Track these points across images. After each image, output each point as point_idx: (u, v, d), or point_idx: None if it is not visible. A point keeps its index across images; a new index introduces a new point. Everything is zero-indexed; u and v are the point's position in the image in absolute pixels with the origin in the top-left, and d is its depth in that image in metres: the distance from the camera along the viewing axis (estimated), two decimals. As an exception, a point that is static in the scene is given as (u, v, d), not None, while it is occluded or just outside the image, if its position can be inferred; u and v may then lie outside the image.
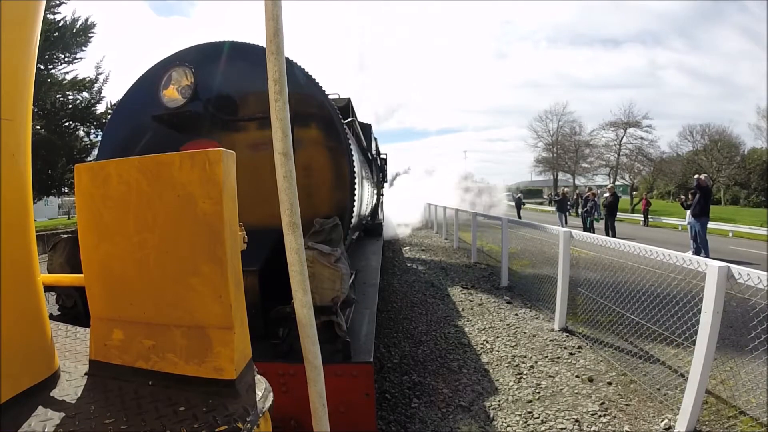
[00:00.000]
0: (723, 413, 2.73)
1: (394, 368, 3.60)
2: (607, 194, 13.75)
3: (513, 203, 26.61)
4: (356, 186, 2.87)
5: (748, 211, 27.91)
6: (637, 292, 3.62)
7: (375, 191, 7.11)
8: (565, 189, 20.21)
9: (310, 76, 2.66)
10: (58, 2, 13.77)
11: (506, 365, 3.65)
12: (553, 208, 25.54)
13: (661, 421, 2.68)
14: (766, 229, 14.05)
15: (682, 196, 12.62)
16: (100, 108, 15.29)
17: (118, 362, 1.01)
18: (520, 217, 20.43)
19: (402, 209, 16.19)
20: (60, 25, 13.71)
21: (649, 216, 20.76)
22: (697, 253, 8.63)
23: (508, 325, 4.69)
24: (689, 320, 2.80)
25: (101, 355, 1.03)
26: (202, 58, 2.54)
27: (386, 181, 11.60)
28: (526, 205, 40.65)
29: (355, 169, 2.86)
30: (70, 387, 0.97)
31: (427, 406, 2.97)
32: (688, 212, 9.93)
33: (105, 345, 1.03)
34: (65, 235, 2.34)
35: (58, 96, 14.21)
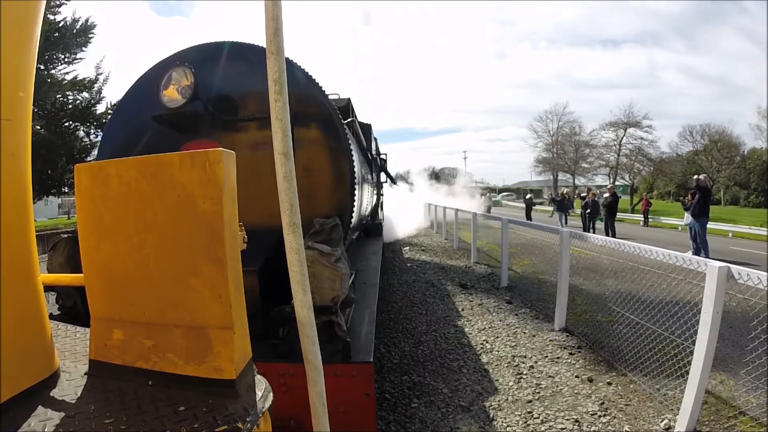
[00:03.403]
0: (723, 413, 2.72)
1: (394, 368, 3.60)
2: (607, 194, 13.75)
3: (491, 204, 26.41)
4: (356, 186, 2.87)
5: (748, 212, 27.93)
6: (636, 292, 3.62)
7: (375, 191, 7.11)
8: (565, 189, 20.17)
9: (310, 76, 2.66)
10: (58, 2, 13.76)
11: (506, 365, 3.65)
12: (552, 208, 25.47)
13: (661, 421, 2.68)
14: (766, 229, 14.05)
15: (681, 197, 12.63)
16: (100, 108, 15.28)
17: (118, 362, 1.01)
18: (530, 219, 20.03)
19: (404, 210, 16.15)
20: (60, 25, 13.69)
21: (649, 216, 20.77)
22: (696, 253, 8.63)
23: (507, 325, 4.69)
24: (689, 320, 2.80)
25: (101, 355, 1.03)
26: (202, 58, 2.54)
27: (393, 180, 11.55)
28: (506, 204, 39.87)
29: (355, 170, 2.86)
30: (70, 387, 0.97)
31: (427, 406, 2.97)
32: (687, 213, 9.94)
33: (105, 345, 1.03)
34: (65, 235, 2.34)
35: (58, 96, 14.19)
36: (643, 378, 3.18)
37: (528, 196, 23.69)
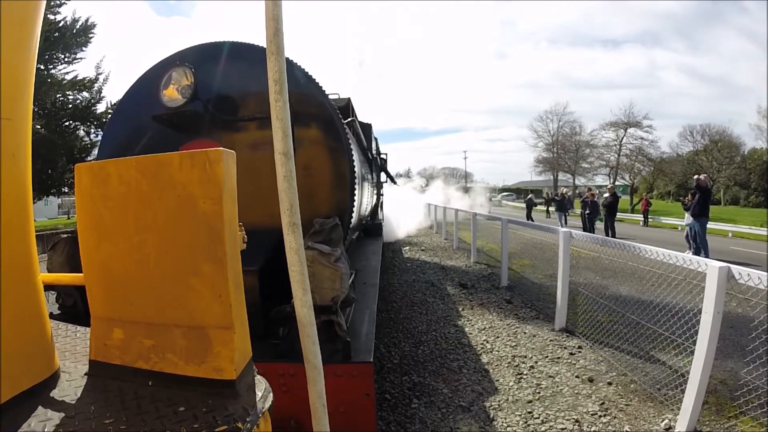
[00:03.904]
0: (723, 413, 2.72)
1: (394, 368, 3.60)
2: (607, 194, 13.74)
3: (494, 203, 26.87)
4: (356, 186, 2.87)
5: (748, 212, 27.93)
6: (637, 292, 3.62)
7: (375, 191, 7.10)
8: (565, 189, 20.16)
9: (310, 76, 2.66)
10: (58, 2, 13.75)
11: (506, 365, 3.64)
12: (546, 208, 25.55)
13: (662, 422, 2.68)
14: (766, 229, 14.05)
15: (681, 197, 12.60)
16: (100, 108, 15.28)
17: (118, 362, 1.01)
18: (530, 219, 20.01)
19: (404, 210, 16.14)
20: (60, 25, 13.69)
21: (649, 216, 20.77)
22: (696, 253, 8.63)
23: (508, 324, 4.69)
24: (690, 320, 2.79)
25: (101, 355, 1.03)
26: (202, 58, 2.54)
27: (393, 180, 11.53)
28: (506, 204, 39.73)
29: (355, 169, 2.86)
30: (70, 387, 0.97)
31: (427, 407, 2.96)
32: (688, 213, 9.94)
33: (105, 345, 1.03)
34: (65, 235, 2.34)
35: (58, 96, 14.19)
36: (643, 378, 3.18)
37: (529, 197, 23.57)
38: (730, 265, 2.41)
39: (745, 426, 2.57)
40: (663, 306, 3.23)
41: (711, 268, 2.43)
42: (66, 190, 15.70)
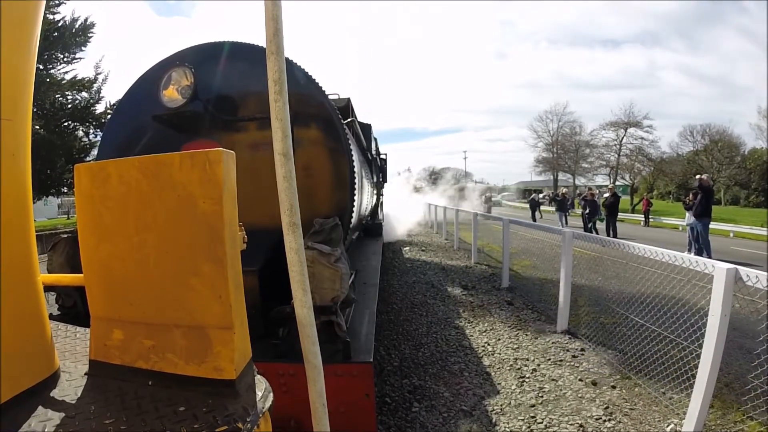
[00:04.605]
0: (730, 417, 2.70)
1: (394, 371, 3.58)
2: (607, 194, 13.72)
3: (491, 205, 26.40)
4: (356, 186, 2.87)
5: (748, 212, 27.88)
6: (640, 294, 3.60)
7: (375, 191, 7.10)
8: (564, 189, 20.18)
9: (310, 76, 2.66)
10: (57, 2, 13.79)
11: (508, 368, 3.63)
12: (553, 209, 25.45)
13: (667, 426, 2.65)
14: (766, 229, 14.03)
15: (682, 198, 12.56)
16: (100, 108, 15.32)
17: (118, 362, 1.01)
18: (535, 220, 19.98)
19: (404, 210, 16.15)
20: (59, 25, 13.72)
21: (649, 216, 20.77)
22: (699, 253, 8.61)
23: (509, 327, 4.67)
24: (695, 323, 2.77)
25: (101, 355, 1.03)
26: (202, 58, 2.54)
27: (386, 181, 11.56)
28: (502, 204, 39.28)
29: (355, 170, 2.86)
30: (70, 387, 0.97)
31: (428, 411, 2.94)
32: (688, 213, 9.92)
33: (105, 345, 1.03)
34: (65, 235, 2.34)
35: (57, 96, 14.22)
36: (648, 381, 3.16)
37: (532, 196, 23.37)
38: (738, 267, 2.36)
39: (753, 431, 2.55)
40: (668, 308, 3.20)
41: (718, 270, 2.37)
42: (65, 190, 15.73)
